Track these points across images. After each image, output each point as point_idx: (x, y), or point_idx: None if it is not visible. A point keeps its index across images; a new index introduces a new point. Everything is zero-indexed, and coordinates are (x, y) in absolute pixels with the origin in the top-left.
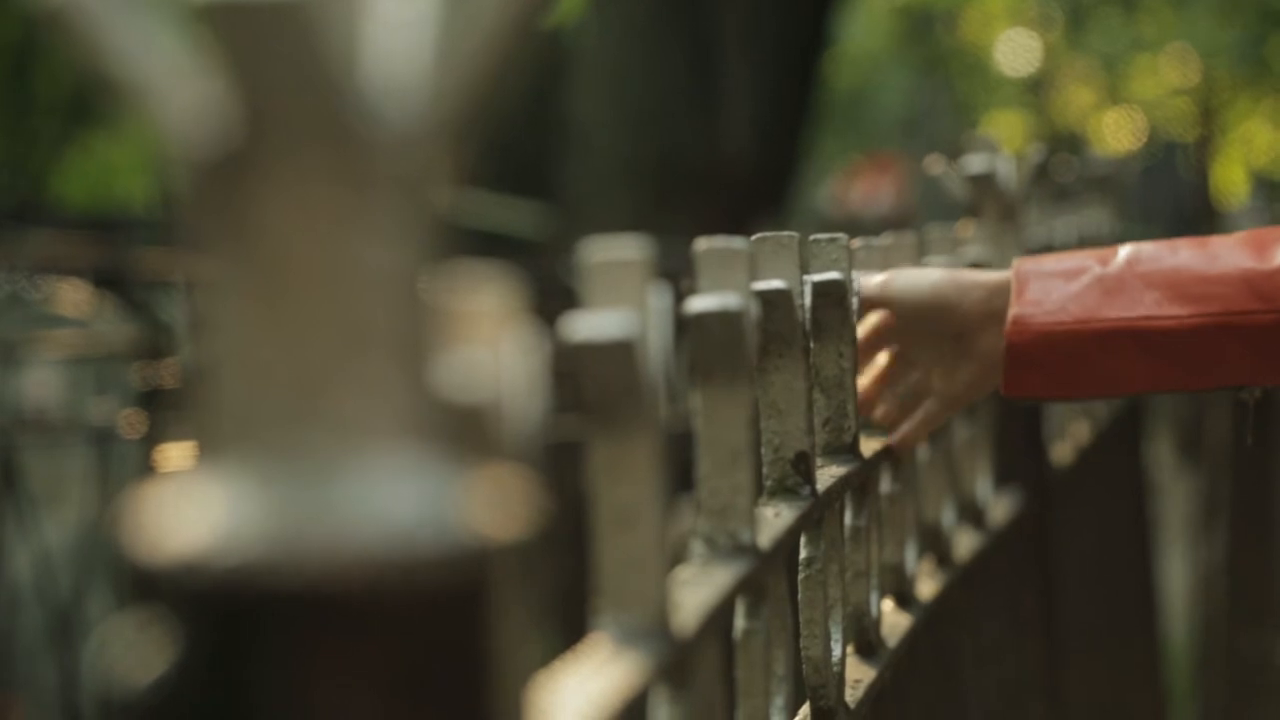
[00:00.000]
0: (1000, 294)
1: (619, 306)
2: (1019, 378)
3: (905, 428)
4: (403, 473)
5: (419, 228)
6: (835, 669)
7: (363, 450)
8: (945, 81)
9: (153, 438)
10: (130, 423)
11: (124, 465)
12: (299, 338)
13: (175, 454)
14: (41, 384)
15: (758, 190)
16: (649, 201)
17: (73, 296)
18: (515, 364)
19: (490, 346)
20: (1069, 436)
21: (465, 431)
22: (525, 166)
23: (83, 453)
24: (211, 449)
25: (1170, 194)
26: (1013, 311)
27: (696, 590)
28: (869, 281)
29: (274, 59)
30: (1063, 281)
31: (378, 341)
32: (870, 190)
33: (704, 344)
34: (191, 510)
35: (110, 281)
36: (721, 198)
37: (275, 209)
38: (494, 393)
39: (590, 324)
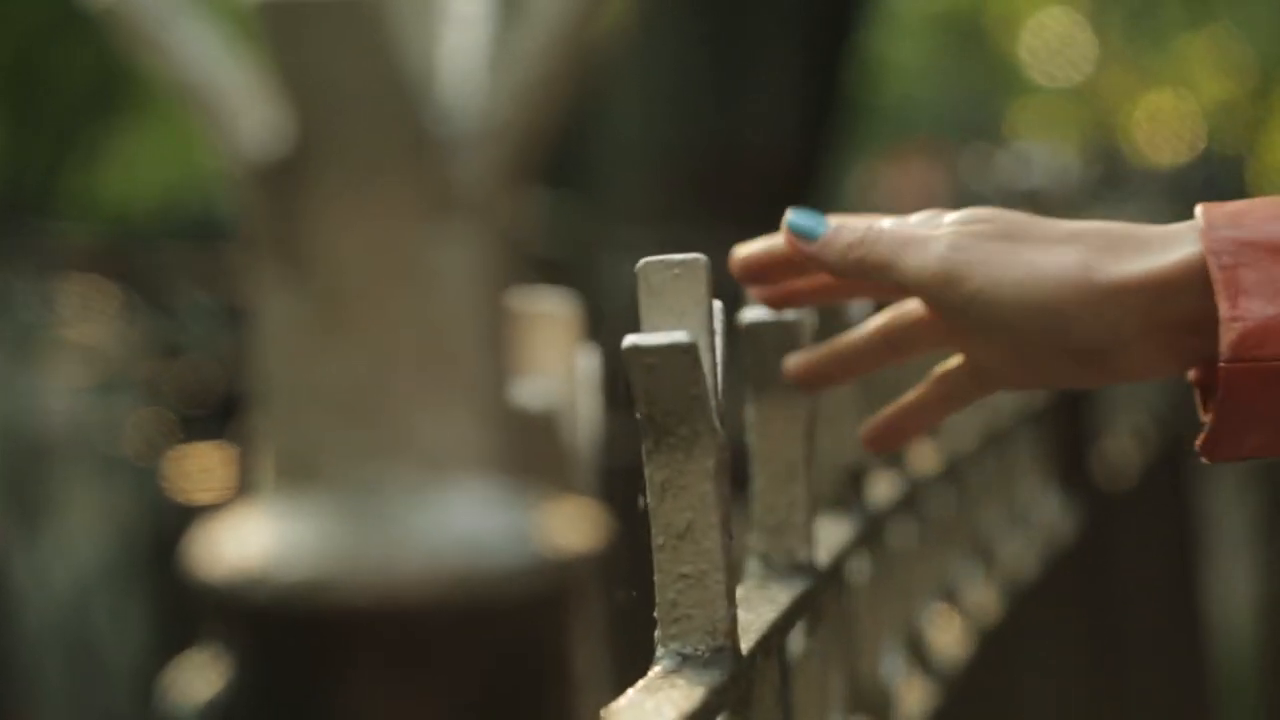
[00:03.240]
0: (1168, 296)
1: (678, 315)
2: (1236, 438)
3: (894, 415)
4: (475, 490)
5: (493, 238)
6: (891, 689)
7: (436, 475)
8: (978, 67)
9: (173, 451)
10: (148, 436)
11: (140, 482)
12: (365, 357)
13: (203, 470)
14: (57, 394)
15: (788, 183)
16: (676, 194)
17: (89, 298)
18: (578, 380)
19: (555, 361)
20: (1124, 455)
21: (535, 447)
22: (551, 159)
23: (99, 469)
24: (274, 474)
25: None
26: (1230, 335)
27: (755, 610)
28: (911, 264)
29: (336, 59)
30: None
31: (452, 361)
32: (905, 181)
33: (758, 355)
34: (252, 532)
35: (129, 283)
36: (751, 191)
37: (340, 220)
38: (562, 408)
39: (647, 333)
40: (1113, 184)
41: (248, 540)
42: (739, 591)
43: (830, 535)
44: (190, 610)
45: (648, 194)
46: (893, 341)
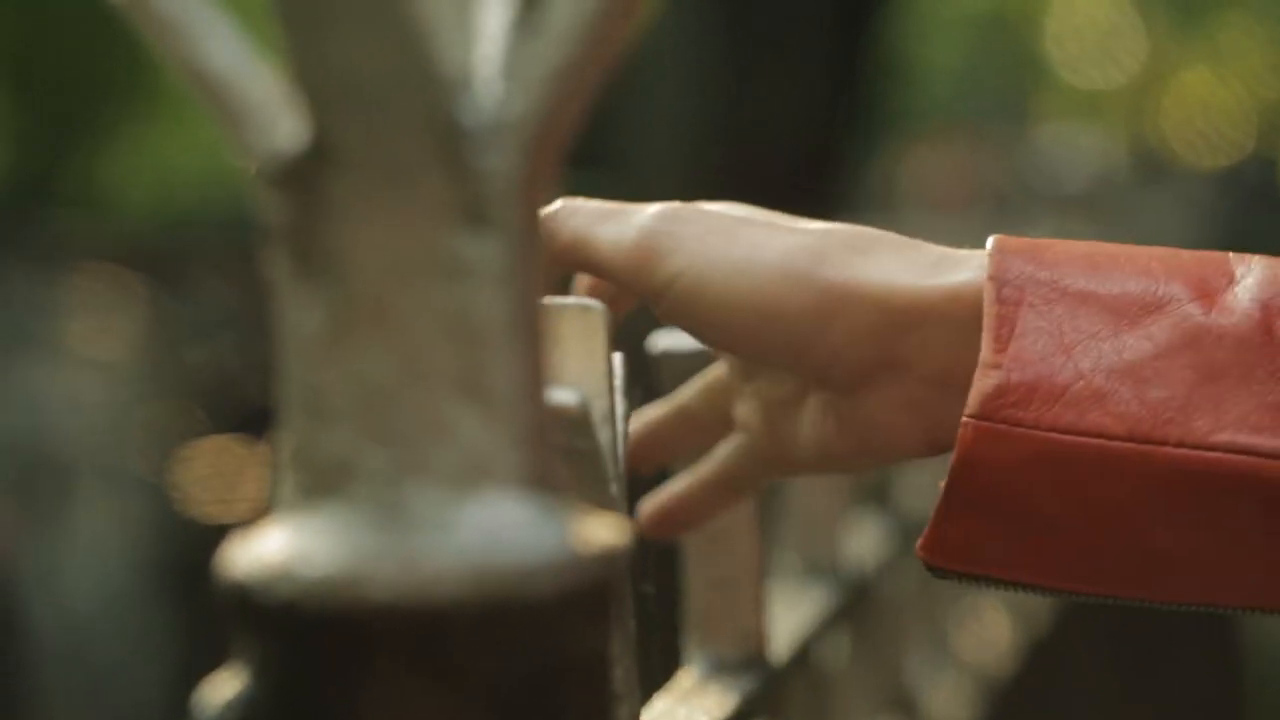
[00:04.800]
0: (919, 322)
1: None
2: (971, 536)
3: (669, 497)
4: (504, 489)
5: (525, 235)
6: (928, 698)
7: (466, 478)
8: (1014, 55)
9: (190, 455)
10: (165, 440)
11: (155, 489)
12: (392, 362)
13: (223, 475)
14: (69, 396)
15: (812, 165)
16: (700, 177)
17: (106, 294)
18: (610, 377)
19: (586, 357)
20: None
21: (566, 445)
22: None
23: (112, 474)
24: (296, 481)
25: (1250, 204)
26: (985, 384)
27: (787, 615)
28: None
29: (359, 49)
30: (1111, 325)
31: (483, 363)
32: (935, 166)
33: None
34: (275, 530)
35: (149, 277)
36: (775, 173)
37: (365, 219)
38: (593, 406)
39: (671, 334)
40: (1155, 183)
41: (270, 538)
42: (771, 597)
43: (864, 539)
44: (209, 617)
45: (673, 177)
46: (703, 423)
